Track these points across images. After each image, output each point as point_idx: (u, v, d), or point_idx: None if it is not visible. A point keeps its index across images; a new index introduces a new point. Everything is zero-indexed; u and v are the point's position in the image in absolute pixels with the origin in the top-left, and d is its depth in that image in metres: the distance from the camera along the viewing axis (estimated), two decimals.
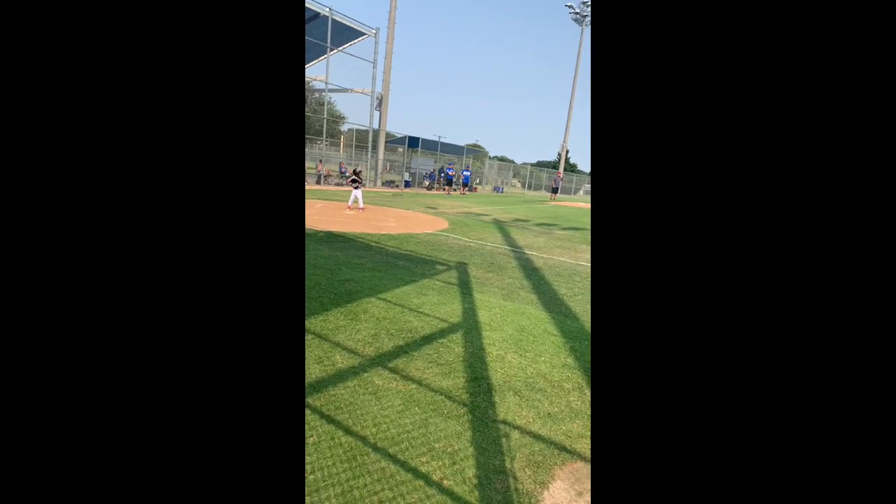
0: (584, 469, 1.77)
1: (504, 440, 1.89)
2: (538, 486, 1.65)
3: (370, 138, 20.45)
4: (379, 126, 20.69)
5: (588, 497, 1.62)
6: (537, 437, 1.94)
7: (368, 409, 2.02)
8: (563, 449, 1.88)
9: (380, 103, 20.31)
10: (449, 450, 1.79)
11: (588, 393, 2.40)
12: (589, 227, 10.95)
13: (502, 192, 28.92)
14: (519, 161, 41.94)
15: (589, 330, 3.39)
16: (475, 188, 26.04)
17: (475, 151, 30.70)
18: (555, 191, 24.51)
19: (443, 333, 2.98)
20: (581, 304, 4.09)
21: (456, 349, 2.76)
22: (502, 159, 43.33)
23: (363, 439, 1.81)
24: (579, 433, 2.00)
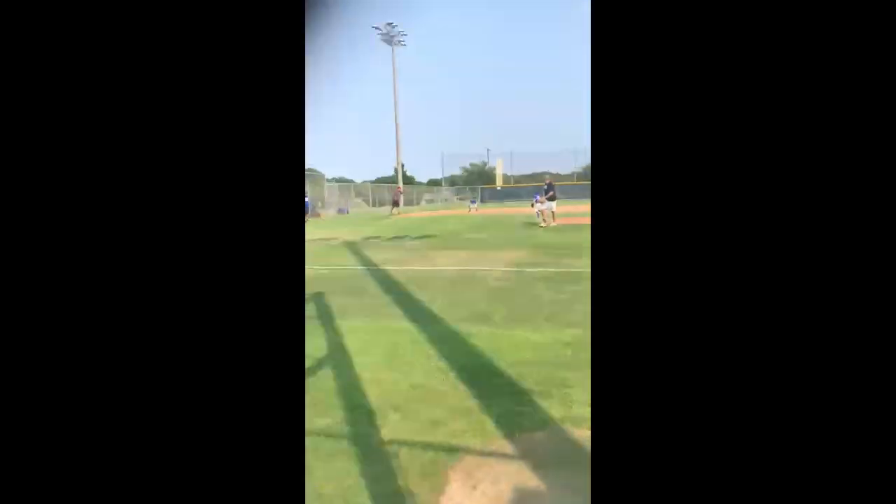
0: (474, 461, 1.85)
1: (394, 461, 1.86)
2: (434, 494, 1.66)
3: None
4: None
5: (483, 487, 1.70)
6: (426, 445, 1.96)
7: None
8: (451, 449, 1.93)
9: None
10: (340, 491, 1.69)
11: (462, 387, 2.52)
12: (436, 235, 11.53)
13: (347, 212, 28.57)
14: (359, 180, 41.94)
15: (453, 330, 3.56)
16: (319, 213, 25.22)
17: (310, 176, 29.72)
18: (396, 203, 25.14)
19: (310, 372, 2.81)
20: (441, 307, 4.27)
21: (327, 384, 2.63)
22: (341, 180, 42.82)
23: None
24: (463, 429, 2.08)
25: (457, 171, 57.54)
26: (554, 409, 2.23)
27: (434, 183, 55.90)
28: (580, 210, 15.52)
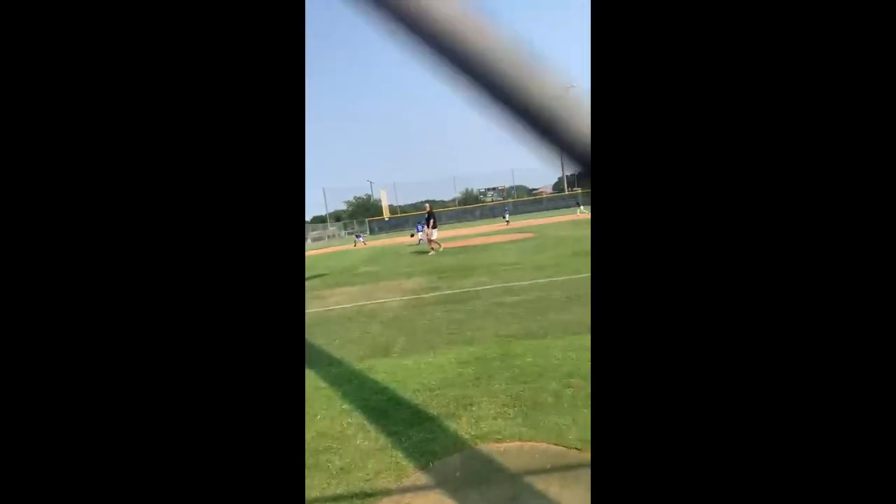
0: (391, 501, 1.78)
1: None
2: None
3: None
4: None
5: None
6: (336, 498, 1.84)
7: None
8: (366, 495, 1.84)
9: None
10: None
11: (370, 426, 2.43)
12: (326, 273, 11.13)
13: None
14: None
15: (353, 368, 3.44)
16: None
17: None
18: None
19: None
20: (338, 347, 4.11)
21: None
22: None
23: None
24: (377, 470, 2.00)
25: (341, 206, 56.65)
26: (463, 430, 2.26)
27: (319, 220, 54.19)
28: (462, 233, 16.20)
